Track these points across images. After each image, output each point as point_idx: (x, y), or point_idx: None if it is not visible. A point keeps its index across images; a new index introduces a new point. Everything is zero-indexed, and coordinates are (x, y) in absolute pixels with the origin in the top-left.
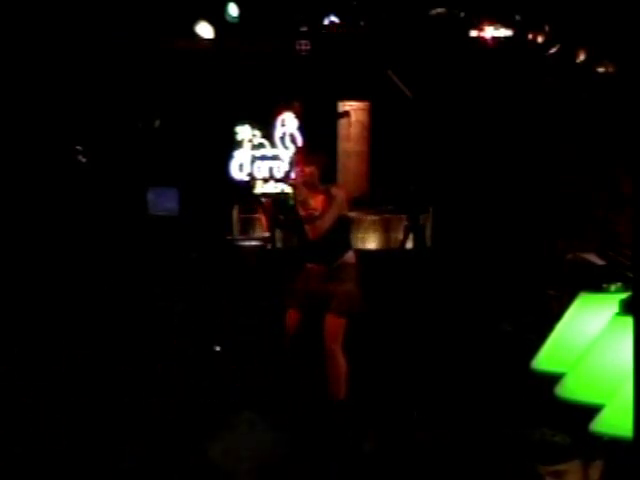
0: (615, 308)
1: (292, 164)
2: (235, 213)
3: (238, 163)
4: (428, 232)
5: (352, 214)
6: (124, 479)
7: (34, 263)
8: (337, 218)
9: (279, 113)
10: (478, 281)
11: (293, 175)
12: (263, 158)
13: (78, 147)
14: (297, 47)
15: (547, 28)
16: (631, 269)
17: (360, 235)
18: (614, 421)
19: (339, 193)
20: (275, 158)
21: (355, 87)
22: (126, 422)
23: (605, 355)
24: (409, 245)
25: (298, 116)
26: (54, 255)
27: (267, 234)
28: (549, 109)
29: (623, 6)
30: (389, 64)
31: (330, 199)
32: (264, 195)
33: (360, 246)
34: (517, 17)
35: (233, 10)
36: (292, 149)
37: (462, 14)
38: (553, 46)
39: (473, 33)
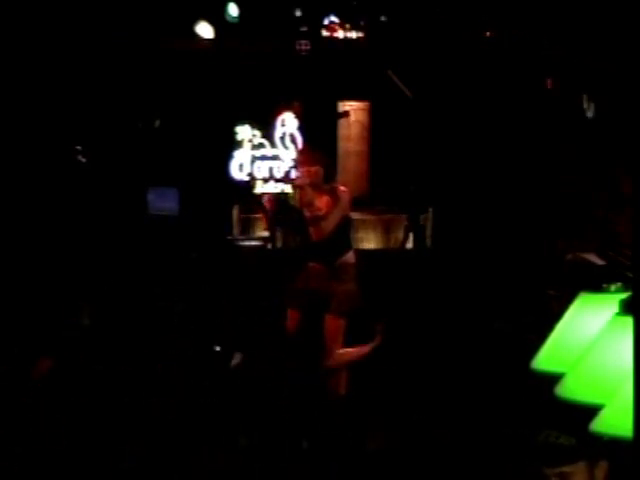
0: (615, 308)
1: (295, 165)
2: (235, 213)
3: (238, 163)
4: (428, 232)
5: (352, 214)
6: (124, 479)
7: (34, 263)
8: (341, 219)
9: (279, 113)
10: (478, 281)
11: (297, 176)
12: (263, 158)
13: (78, 147)
14: (297, 47)
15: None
16: (631, 269)
17: (360, 235)
18: (614, 421)
19: (344, 194)
20: (275, 158)
21: (355, 87)
22: (126, 422)
23: (605, 355)
24: (409, 245)
25: (298, 116)
26: (54, 255)
27: (267, 234)
28: (549, 109)
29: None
30: (389, 64)
31: (335, 200)
32: (264, 195)
33: (360, 246)
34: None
35: (233, 10)
36: (292, 149)
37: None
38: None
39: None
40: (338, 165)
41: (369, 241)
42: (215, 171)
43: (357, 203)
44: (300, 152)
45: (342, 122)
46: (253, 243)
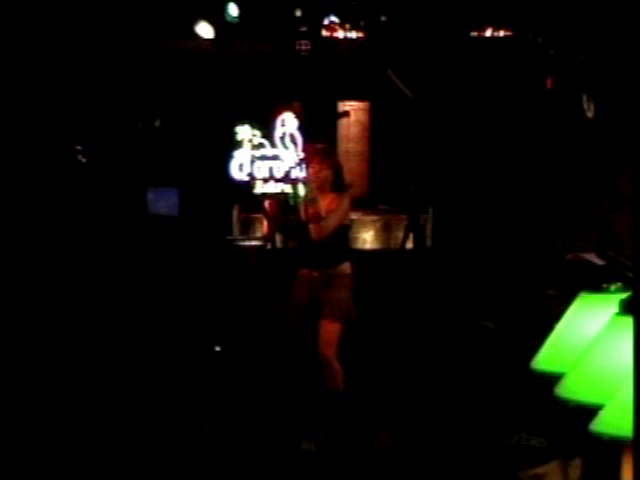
0: (615, 308)
1: (304, 163)
2: (235, 213)
3: (238, 163)
4: (428, 232)
5: (352, 214)
6: (124, 479)
7: (34, 263)
8: (341, 223)
9: (279, 113)
10: (478, 281)
11: (305, 174)
12: (263, 158)
13: (78, 147)
14: (297, 47)
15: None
16: (631, 269)
17: (360, 235)
18: (614, 421)
19: (345, 199)
20: (275, 158)
21: (355, 87)
22: (126, 422)
23: (605, 355)
24: (409, 245)
25: (298, 116)
26: (54, 255)
27: (267, 234)
28: (549, 109)
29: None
30: (389, 64)
31: (338, 202)
32: (264, 195)
33: (360, 246)
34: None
35: (233, 10)
36: (292, 149)
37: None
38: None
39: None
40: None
41: (369, 241)
42: (215, 171)
43: (357, 203)
44: (311, 151)
45: (342, 122)
46: (253, 243)
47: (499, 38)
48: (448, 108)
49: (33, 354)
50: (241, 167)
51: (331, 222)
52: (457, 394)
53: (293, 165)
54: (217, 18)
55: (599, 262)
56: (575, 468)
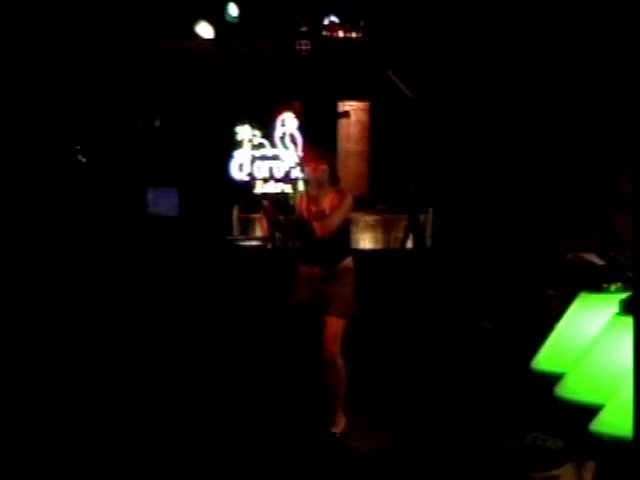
0: (615, 308)
1: (302, 162)
2: (235, 213)
3: (238, 163)
4: (428, 232)
5: (352, 214)
6: (124, 479)
7: (34, 263)
8: (345, 220)
9: (279, 113)
10: (478, 281)
11: (305, 173)
12: (263, 158)
13: (78, 147)
14: (297, 47)
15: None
16: (631, 269)
17: (360, 235)
18: (614, 421)
19: (349, 197)
20: (275, 158)
21: (355, 87)
22: (126, 422)
23: (605, 355)
24: (409, 245)
25: (298, 116)
26: (54, 255)
27: (267, 234)
28: (550, 109)
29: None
30: (389, 64)
31: (340, 199)
32: (264, 196)
33: (360, 246)
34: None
35: (233, 10)
36: (292, 149)
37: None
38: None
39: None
40: (338, 165)
41: (369, 241)
42: (215, 171)
43: (357, 203)
44: (307, 150)
45: (342, 122)
46: (253, 243)
47: (499, 38)
48: (448, 108)
49: (33, 354)
50: (241, 167)
51: (336, 219)
52: (457, 394)
53: (293, 165)
54: (217, 18)
55: (599, 262)
56: (589, 470)
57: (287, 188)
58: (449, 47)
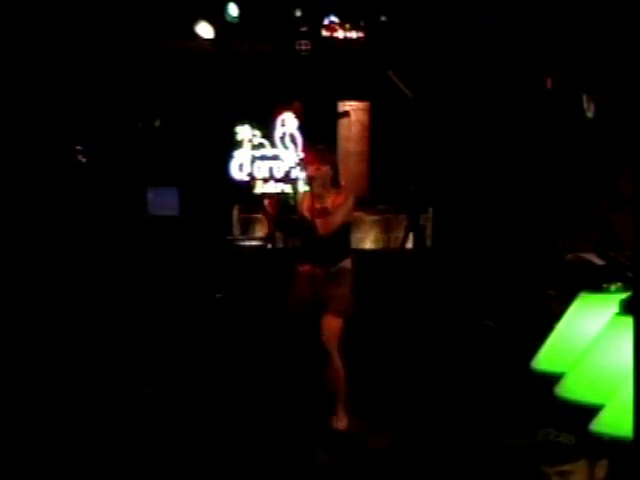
0: (615, 308)
1: (303, 162)
2: (235, 213)
3: (238, 163)
4: (428, 232)
5: (354, 215)
6: (124, 479)
7: (34, 263)
8: (347, 219)
9: (279, 113)
10: (478, 281)
11: (307, 172)
12: (263, 158)
13: (78, 147)
14: (297, 47)
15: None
16: (631, 269)
17: (360, 235)
18: (614, 421)
19: (351, 196)
20: (275, 158)
21: (355, 87)
22: (126, 422)
23: (605, 355)
24: (409, 245)
25: (298, 116)
26: (54, 255)
27: (269, 233)
28: (550, 109)
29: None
30: (389, 64)
31: (343, 198)
32: (264, 195)
33: (360, 246)
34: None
35: (233, 10)
36: (292, 149)
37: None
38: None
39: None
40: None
41: (369, 241)
42: (215, 171)
43: (357, 203)
44: (309, 151)
45: (342, 122)
46: (253, 243)
47: (499, 38)
48: (448, 108)
49: (33, 354)
50: (241, 167)
51: (338, 217)
52: (457, 394)
53: (293, 165)
54: (217, 18)
55: (599, 262)
56: (602, 468)
57: (287, 188)
58: (449, 47)
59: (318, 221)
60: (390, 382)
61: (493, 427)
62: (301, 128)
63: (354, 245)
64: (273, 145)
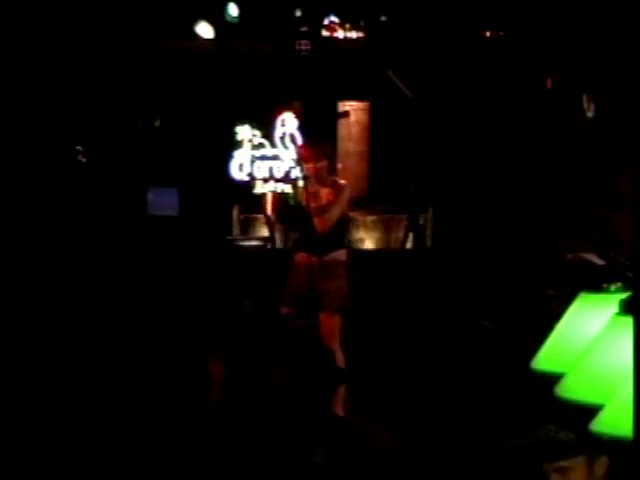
0: (615, 308)
1: (299, 161)
2: (235, 213)
3: (238, 163)
4: (428, 232)
5: (352, 214)
6: (124, 479)
7: (34, 263)
8: (342, 212)
9: (279, 113)
10: (478, 281)
11: (303, 171)
12: (263, 158)
13: (78, 147)
14: (297, 47)
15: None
16: (631, 269)
17: (360, 235)
18: (614, 421)
19: (346, 188)
20: (275, 158)
21: (355, 87)
22: (126, 422)
23: (605, 355)
24: (409, 245)
25: (298, 116)
26: (54, 255)
27: (267, 234)
28: (550, 109)
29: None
30: (389, 64)
31: (337, 192)
32: (264, 195)
33: (360, 246)
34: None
35: (233, 10)
36: (292, 149)
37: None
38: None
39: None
40: (338, 165)
41: (369, 241)
42: (215, 171)
43: (357, 203)
44: (304, 149)
45: (342, 122)
46: (253, 243)
47: (499, 38)
48: (448, 108)
49: (33, 354)
50: (241, 167)
51: (334, 213)
52: (457, 394)
53: (293, 165)
54: (217, 18)
55: (599, 262)
56: (601, 465)
57: (287, 188)
58: (449, 47)
59: (315, 220)
60: (390, 382)
61: (493, 427)
62: (301, 128)
63: (354, 245)
64: (273, 145)
